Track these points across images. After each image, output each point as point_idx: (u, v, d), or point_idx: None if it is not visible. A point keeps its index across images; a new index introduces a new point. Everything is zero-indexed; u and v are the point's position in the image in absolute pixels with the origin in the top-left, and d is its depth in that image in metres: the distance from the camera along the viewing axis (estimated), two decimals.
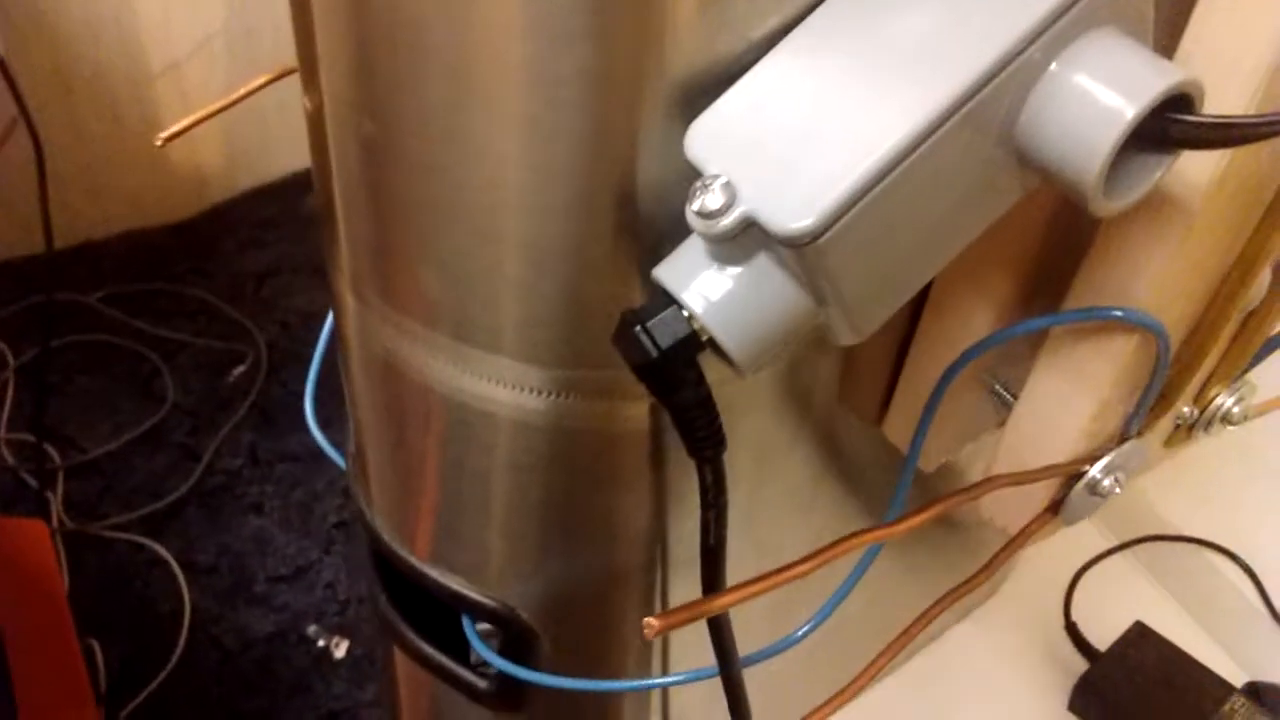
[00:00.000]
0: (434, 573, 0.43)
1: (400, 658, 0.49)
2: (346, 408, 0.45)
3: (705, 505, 0.32)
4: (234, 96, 0.46)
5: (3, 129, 1.21)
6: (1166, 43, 0.30)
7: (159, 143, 0.43)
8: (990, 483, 0.33)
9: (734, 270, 0.27)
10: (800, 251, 0.26)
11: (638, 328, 0.28)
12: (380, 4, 0.29)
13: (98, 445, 1.36)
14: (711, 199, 0.26)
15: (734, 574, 0.37)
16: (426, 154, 0.31)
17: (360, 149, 0.32)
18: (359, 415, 0.43)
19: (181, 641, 1.21)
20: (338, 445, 1.45)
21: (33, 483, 1.31)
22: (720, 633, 0.35)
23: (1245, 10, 0.28)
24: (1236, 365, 0.38)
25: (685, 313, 0.28)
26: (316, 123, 0.35)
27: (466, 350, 0.36)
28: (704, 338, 0.28)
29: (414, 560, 0.43)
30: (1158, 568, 0.67)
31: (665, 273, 0.28)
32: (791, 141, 0.26)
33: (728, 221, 0.25)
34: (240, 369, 1.47)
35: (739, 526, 0.41)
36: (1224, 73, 0.28)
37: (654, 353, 0.28)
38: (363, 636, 1.25)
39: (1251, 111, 0.29)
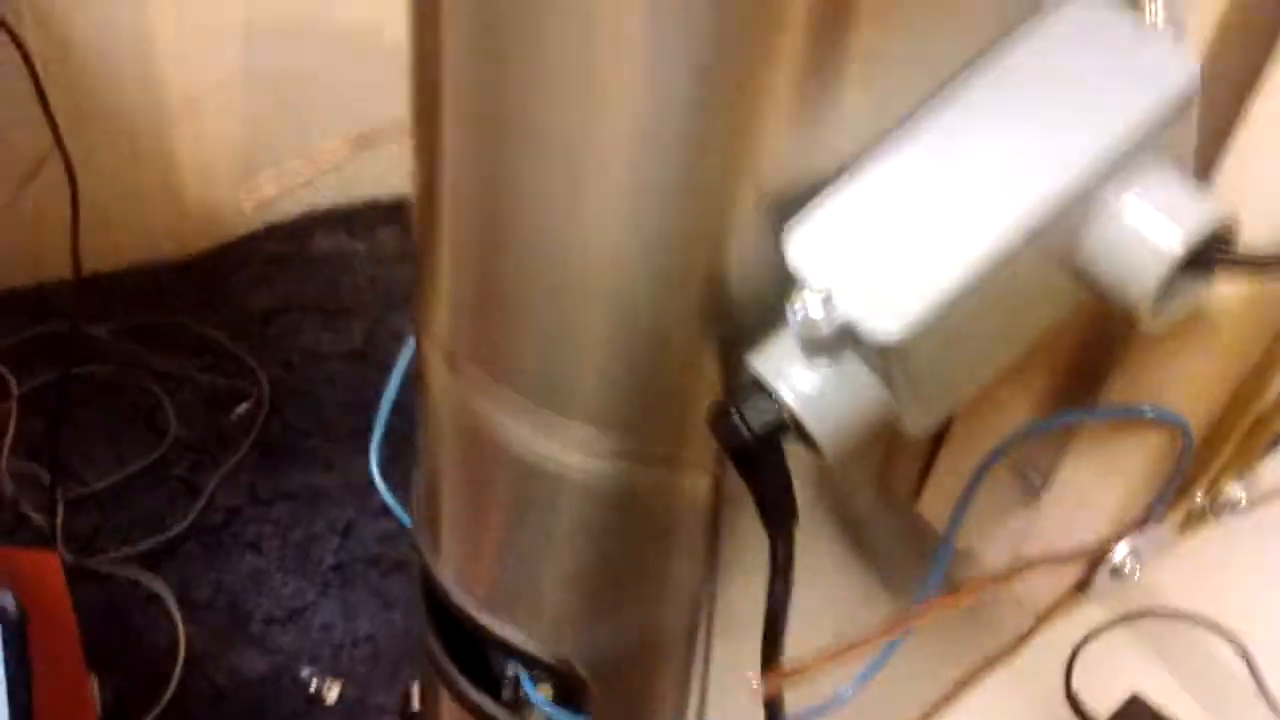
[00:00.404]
0: (495, 624, 0.46)
1: (447, 704, 0.52)
2: (417, 459, 0.48)
3: (775, 572, 0.35)
4: (319, 164, 0.49)
5: (34, 162, 1.24)
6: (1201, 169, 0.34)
7: (247, 208, 0.46)
8: (1029, 563, 0.37)
9: (824, 365, 0.30)
10: (889, 354, 0.29)
11: (734, 413, 0.31)
12: (509, 106, 0.33)
13: (98, 478, 1.36)
14: (813, 307, 0.29)
15: (751, 635, 0.40)
16: (540, 240, 0.35)
17: (478, 228, 0.36)
18: (433, 470, 0.46)
19: (175, 678, 1.21)
20: (342, 487, 1.46)
21: (35, 516, 1.32)
22: (774, 696, 0.38)
23: (1273, 150, 0.32)
24: (1246, 459, 0.42)
25: (777, 401, 0.31)
26: (428, 195, 0.38)
27: (545, 414, 0.39)
28: (792, 425, 0.31)
29: (475, 612, 0.46)
30: (1154, 643, 0.69)
31: (759, 363, 0.32)
32: (885, 254, 0.29)
33: (826, 328, 0.29)
34: (244, 406, 1.48)
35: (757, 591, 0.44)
36: (1255, 204, 0.32)
37: (748, 437, 0.31)
38: (356, 680, 1.26)
39: (1275, 239, 0.33)
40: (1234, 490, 0.44)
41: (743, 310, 0.35)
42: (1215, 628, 0.66)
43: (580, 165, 0.33)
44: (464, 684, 0.48)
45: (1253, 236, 0.32)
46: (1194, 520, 0.45)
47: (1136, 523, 0.41)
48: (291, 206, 1.67)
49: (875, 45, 0.30)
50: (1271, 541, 0.62)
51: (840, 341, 0.30)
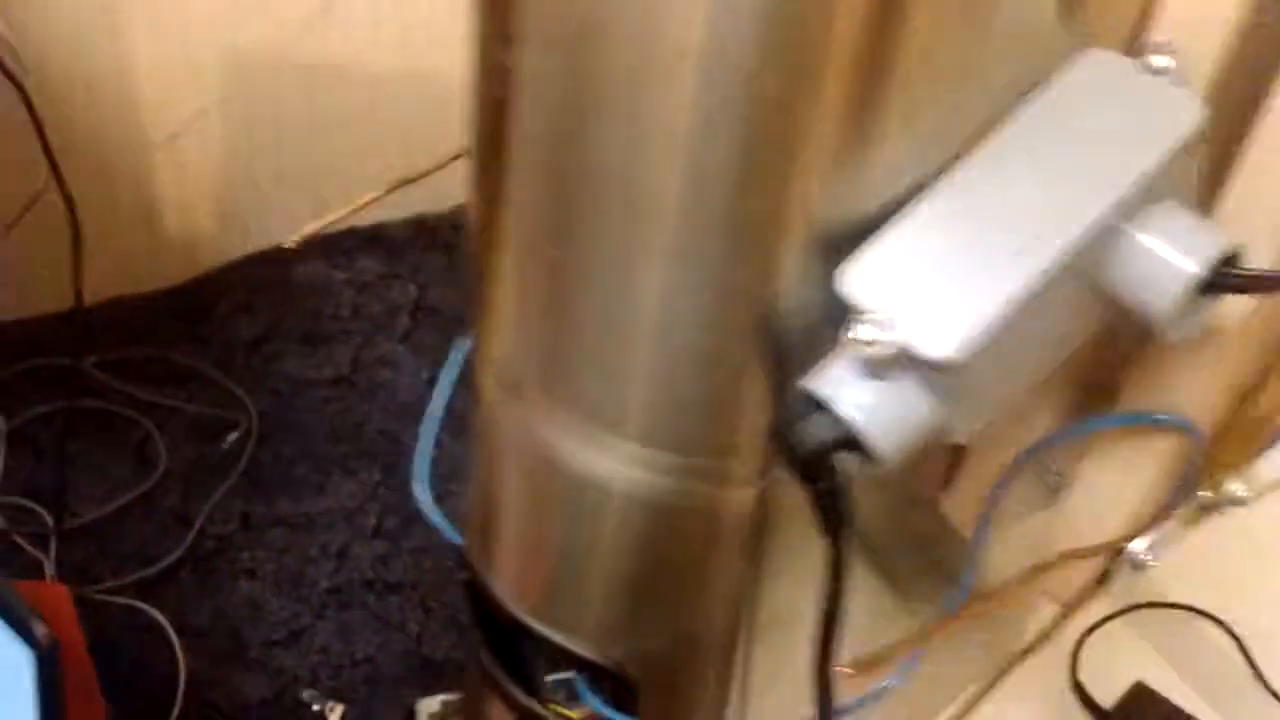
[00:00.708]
0: (549, 631, 0.48)
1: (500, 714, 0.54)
2: (469, 475, 0.51)
3: (830, 573, 0.38)
4: (356, 205, 0.52)
5: (23, 198, 1.24)
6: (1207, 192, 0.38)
7: (292, 242, 0.48)
8: (1060, 558, 0.40)
9: (879, 384, 0.34)
10: (942, 372, 0.32)
11: (795, 429, 0.34)
12: (574, 154, 0.36)
13: (90, 509, 1.37)
14: (869, 331, 0.32)
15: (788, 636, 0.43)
16: (601, 277, 0.38)
17: (541, 266, 0.39)
18: (485, 484, 0.49)
19: (177, 706, 1.22)
20: (333, 511, 1.46)
21: (30, 549, 1.32)
22: (826, 687, 0.41)
23: (1269, 183, 0.36)
24: (1246, 456, 0.46)
25: (838, 418, 0.34)
26: (491, 233, 0.41)
27: (597, 432, 0.42)
28: (852, 439, 0.34)
29: (530, 620, 0.49)
30: (1154, 633, 0.73)
31: (820, 384, 0.35)
32: (934, 284, 0.33)
33: (883, 349, 0.32)
34: (233, 435, 1.49)
35: (793, 595, 0.47)
36: (1255, 231, 0.36)
37: (811, 452, 0.34)
38: (358, 701, 1.27)
39: (1275, 259, 0.36)
40: (1235, 485, 0.48)
41: (790, 335, 0.38)
42: (1211, 617, 0.70)
43: (640, 206, 0.36)
44: (523, 696, 0.50)
45: (1256, 257, 0.36)
46: (1198, 514, 0.48)
47: (1152, 518, 0.44)
48: (267, 239, 1.68)
49: (912, 95, 0.33)
50: (1262, 534, 0.65)
51: (896, 362, 0.33)
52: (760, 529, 0.46)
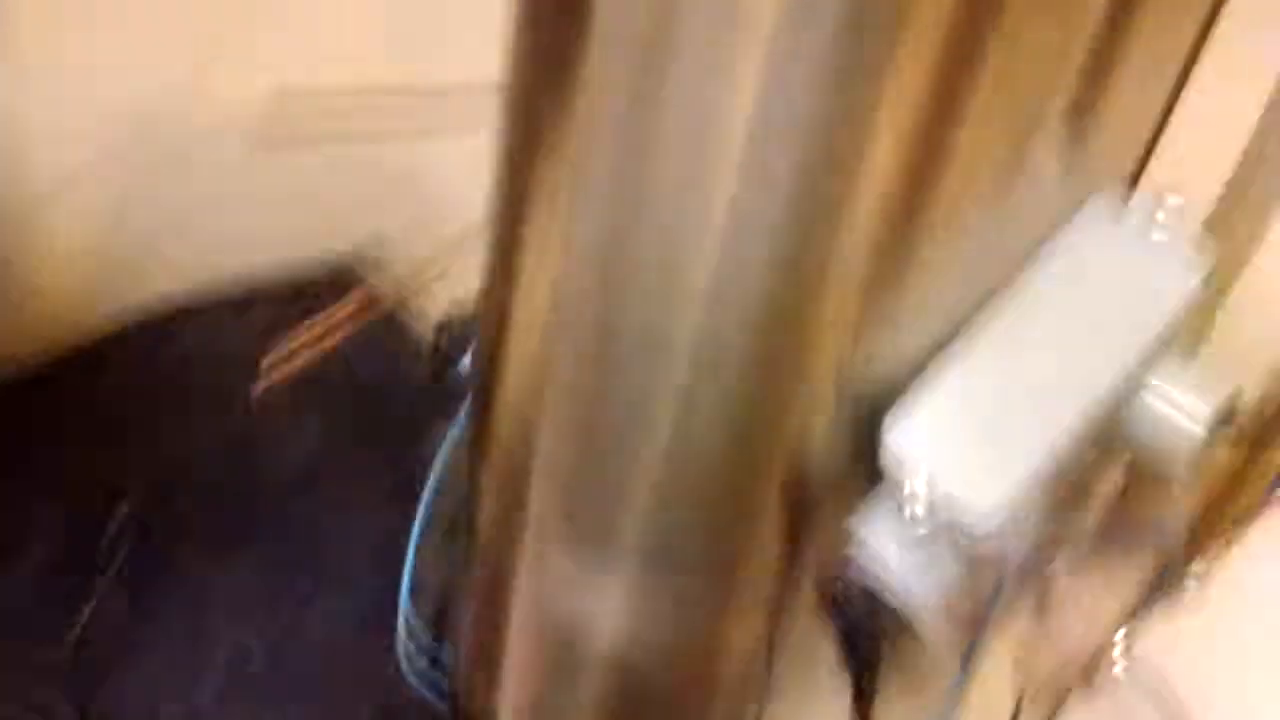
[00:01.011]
0: None
1: None
2: (459, 594, 0.50)
3: (857, 713, 0.39)
4: (330, 333, 0.50)
5: None
6: None
7: (275, 376, 0.47)
8: (1053, 676, 0.42)
9: (921, 552, 0.35)
10: (985, 538, 0.34)
11: (843, 598, 0.35)
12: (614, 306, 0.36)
13: None
14: (919, 507, 0.34)
15: None
16: (622, 417, 0.38)
17: (565, 401, 0.39)
18: (477, 603, 0.48)
19: None
20: (226, 590, 1.41)
21: None
22: None
23: (1253, 326, 0.39)
24: (1215, 553, 0.49)
25: (883, 585, 0.35)
26: (500, 365, 0.41)
27: (598, 554, 0.42)
28: (895, 607, 0.36)
29: None
30: (1104, 696, 0.76)
31: (862, 552, 0.36)
32: (971, 452, 0.34)
33: (933, 525, 0.34)
34: (120, 515, 1.42)
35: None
36: (1242, 370, 0.39)
37: (857, 620, 0.35)
38: None
39: (1260, 396, 0.39)
40: (1193, 573, 0.51)
41: (805, 473, 0.39)
42: (1159, 682, 0.74)
43: (655, 370, 0.36)
44: None
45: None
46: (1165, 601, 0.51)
47: (1130, 617, 0.47)
48: (143, 304, 1.62)
49: (935, 251, 0.34)
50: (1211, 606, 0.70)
51: (940, 532, 0.34)
52: (766, 660, 0.46)
